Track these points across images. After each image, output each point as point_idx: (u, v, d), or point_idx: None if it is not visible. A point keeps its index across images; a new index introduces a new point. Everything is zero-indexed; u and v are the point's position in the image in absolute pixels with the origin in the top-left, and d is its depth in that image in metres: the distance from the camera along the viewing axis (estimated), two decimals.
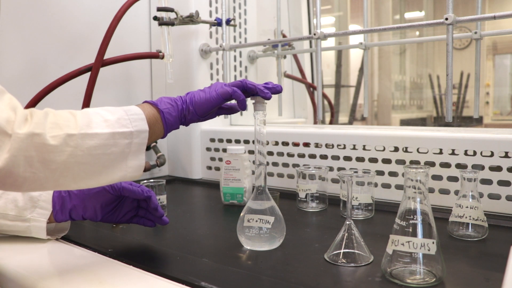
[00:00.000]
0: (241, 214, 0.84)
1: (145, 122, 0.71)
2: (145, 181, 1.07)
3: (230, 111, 0.87)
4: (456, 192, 1.05)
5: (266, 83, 0.83)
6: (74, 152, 0.63)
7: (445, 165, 1.07)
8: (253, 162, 0.86)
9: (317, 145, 1.28)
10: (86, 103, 1.27)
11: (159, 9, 1.36)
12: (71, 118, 0.65)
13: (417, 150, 1.11)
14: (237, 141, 1.44)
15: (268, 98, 0.82)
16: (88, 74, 1.28)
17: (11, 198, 0.82)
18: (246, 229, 0.82)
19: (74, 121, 0.64)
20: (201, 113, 0.79)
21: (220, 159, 1.49)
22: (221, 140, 1.50)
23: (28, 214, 0.81)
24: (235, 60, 1.71)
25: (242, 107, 0.83)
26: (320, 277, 0.69)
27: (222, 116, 1.59)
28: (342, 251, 0.74)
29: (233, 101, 0.83)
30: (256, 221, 0.81)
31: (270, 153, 1.38)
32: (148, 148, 1.55)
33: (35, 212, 0.81)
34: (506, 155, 1.00)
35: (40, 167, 0.60)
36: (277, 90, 0.83)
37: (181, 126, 0.81)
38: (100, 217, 0.86)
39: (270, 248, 0.82)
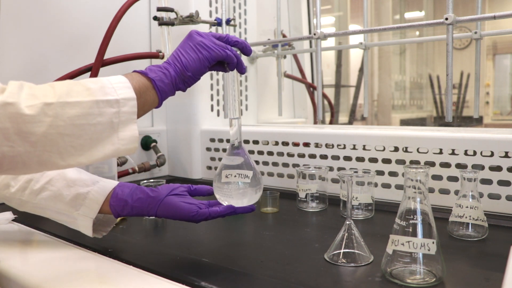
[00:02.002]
0: (217, 170, 0.82)
1: (131, 90, 0.66)
2: (145, 181, 1.07)
3: (220, 68, 0.82)
4: (456, 192, 1.05)
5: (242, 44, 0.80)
6: (54, 122, 0.58)
7: (445, 165, 1.07)
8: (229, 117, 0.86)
9: (317, 145, 1.28)
10: None
11: (159, 9, 1.36)
12: (48, 88, 0.61)
13: (417, 150, 1.11)
14: None
15: (242, 73, 0.82)
16: (88, 74, 1.28)
17: (56, 192, 0.78)
18: (225, 186, 0.79)
19: (53, 91, 0.60)
20: (197, 75, 0.75)
21: (220, 159, 1.49)
22: (221, 140, 1.50)
23: (74, 211, 0.78)
24: None
25: (231, 67, 0.80)
26: (320, 277, 0.69)
27: (222, 116, 1.59)
28: (342, 251, 0.74)
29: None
30: (235, 176, 0.79)
31: (270, 153, 1.38)
32: (148, 148, 1.56)
33: (81, 210, 0.78)
34: (506, 155, 1.00)
35: (18, 140, 0.56)
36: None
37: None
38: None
39: (250, 203, 0.80)
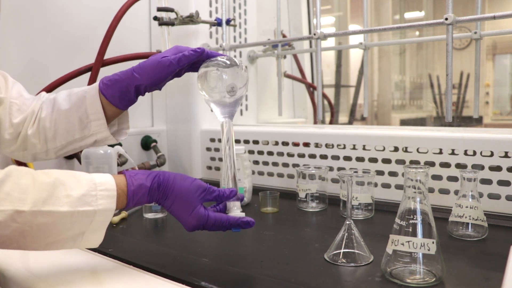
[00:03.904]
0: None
1: (113, 200, 0.65)
2: None
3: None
4: (456, 192, 1.05)
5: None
6: (20, 228, 0.59)
7: (445, 165, 1.07)
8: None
9: (317, 145, 1.28)
10: None
11: (159, 9, 1.36)
12: (29, 189, 0.59)
13: (417, 150, 1.11)
14: (237, 141, 1.44)
15: None
16: (88, 74, 1.28)
17: (64, 128, 0.80)
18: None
19: (31, 194, 0.59)
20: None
21: (220, 159, 1.49)
22: (221, 140, 1.50)
23: (88, 132, 0.80)
24: None
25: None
26: (320, 277, 0.69)
27: (222, 116, 1.59)
28: (342, 251, 0.74)
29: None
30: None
31: (270, 153, 1.38)
32: (148, 148, 1.56)
33: (92, 130, 0.80)
34: (506, 155, 1.00)
35: None
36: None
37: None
38: None
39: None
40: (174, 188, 0.69)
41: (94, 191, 0.64)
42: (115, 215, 1.03)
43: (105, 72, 1.37)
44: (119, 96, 0.78)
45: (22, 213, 0.58)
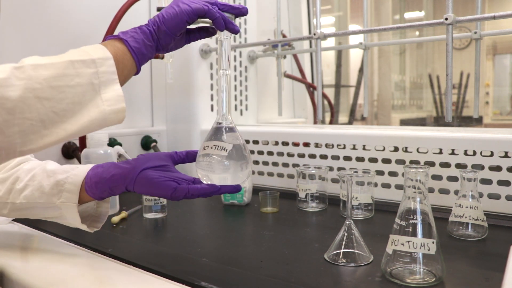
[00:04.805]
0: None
1: (105, 49, 0.62)
2: None
3: (205, 33, 0.77)
4: (456, 192, 1.05)
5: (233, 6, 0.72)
6: (29, 84, 0.55)
7: (445, 165, 1.07)
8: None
9: (317, 145, 1.28)
10: None
11: (159, 9, 1.36)
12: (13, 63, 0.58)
13: (417, 150, 1.11)
14: None
15: (235, 32, 0.73)
16: None
17: (36, 185, 0.74)
18: (204, 159, 0.70)
19: (21, 61, 0.58)
20: (173, 30, 0.68)
21: None
22: None
23: (57, 200, 0.72)
24: (235, 60, 1.71)
25: (219, 26, 0.71)
26: (320, 277, 0.69)
27: None
28: (342, 251, 0.75)
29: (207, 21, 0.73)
30: (211, 148, 0.70)
31: (270, 153, 1.38)
32: (148, 148, 1.56)
33: (63, 197, 0.72)
34: (506, 155, 1.00)
35: None
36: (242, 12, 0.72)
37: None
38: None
39: (235, 182, 0.70)
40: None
41: (81, 50, 0.62)
42: (115, 215, 1.03)
43: None
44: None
45: (21, 68, 0.56)
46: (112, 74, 0.62)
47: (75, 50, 0.62)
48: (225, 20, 0.70)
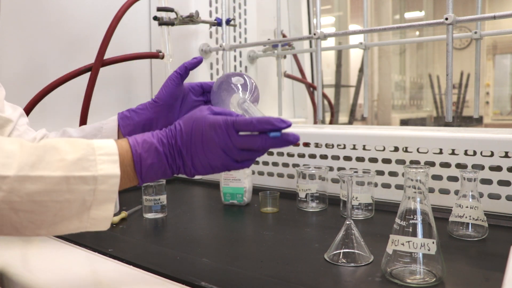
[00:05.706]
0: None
1: (117, 165, 0.56)
2: None
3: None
4: (456, 192, 1.05)
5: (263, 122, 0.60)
6: (7, 197, 0.50)
7: (445, 165, 1.07)
8: None
9: (317, 145, 1.28)
10: (86, 103, 1.27)
11: (159, 9, 1.36)
12: (15, 154, 0.51)
13: (417, 150, 1.11)
14: None
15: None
16: (88, 74, 1.28)
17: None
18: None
19: (17, 159, 0.51)
20: (201, 173, 0.61)
21: None
22: None
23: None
24: (235, 60, 1.71)
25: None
26: (320, 277, 0.69)
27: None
28: (342, 251, 0.74)
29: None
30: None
31: (270, 153, 1.38)
32: None
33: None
34: (506, 155, 1.00)
35: None
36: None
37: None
38: None
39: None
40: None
41: (93, 156, 0.55)
42: (115, 215, 1.03)
43: (105, 71, 1.38)
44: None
45: (6, 179, 0.49)
46: (111, 193, 0.56)
47: (85, 145, 0.55)
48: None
